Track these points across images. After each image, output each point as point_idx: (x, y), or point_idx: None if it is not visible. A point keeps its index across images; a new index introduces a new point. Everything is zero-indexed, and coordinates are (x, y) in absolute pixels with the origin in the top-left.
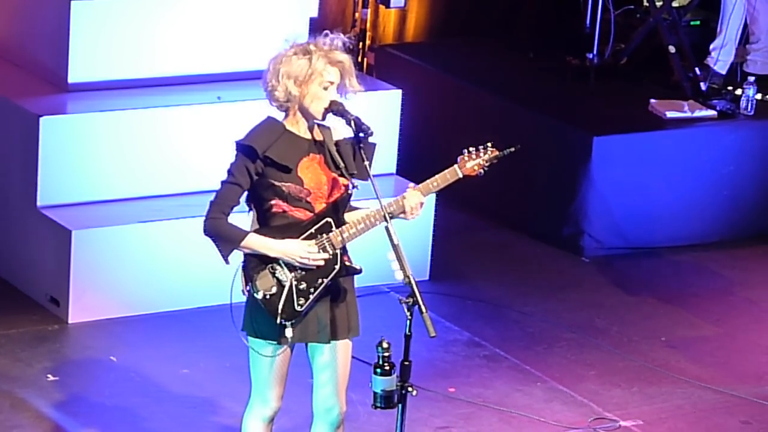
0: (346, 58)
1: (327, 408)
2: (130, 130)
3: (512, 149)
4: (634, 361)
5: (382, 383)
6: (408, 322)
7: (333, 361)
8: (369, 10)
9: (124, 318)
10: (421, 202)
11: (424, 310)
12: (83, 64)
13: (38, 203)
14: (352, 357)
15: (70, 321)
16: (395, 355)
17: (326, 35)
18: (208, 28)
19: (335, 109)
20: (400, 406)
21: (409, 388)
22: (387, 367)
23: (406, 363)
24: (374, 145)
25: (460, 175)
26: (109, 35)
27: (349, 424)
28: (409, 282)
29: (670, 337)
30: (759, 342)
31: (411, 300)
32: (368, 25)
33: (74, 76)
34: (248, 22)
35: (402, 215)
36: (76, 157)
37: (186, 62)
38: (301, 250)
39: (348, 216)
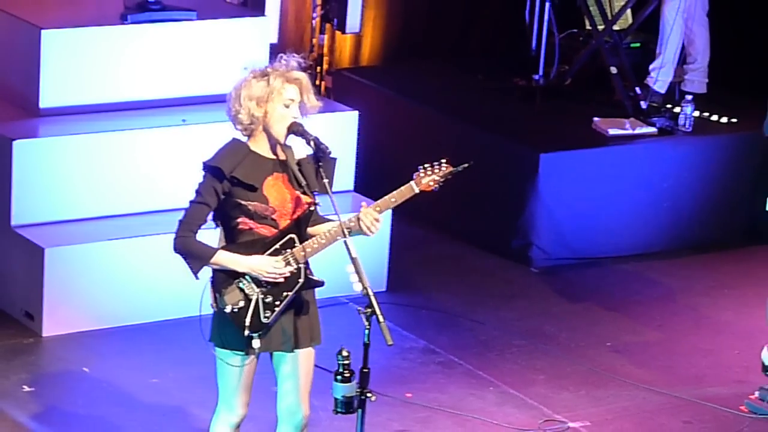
0: (302, 76)
1: (291, 413)
2: (100, 152)
3: (465, 166)
4: (581, 366)
5: (342, 389)
6: (366, 331)
7: (296, 369)
8: (326, 36)
9: (95, 331)
10: (376, 219)
11: (381, 319)
12: (53, 90)
13: (12, 222)
14: (315, 365)
15: (44, 334)
16: (354, 363)
17: (281, 58)
18: (173, 55)
19: (296, 129)
20: (359, 411)
21: (368, 394)
22: (347, 374)
23: (365, 370)
24: (335, 160)
25: (417, 191)
26: (78, 62)
27: (312, 428)
28: (367, 293)
29: (615, 342)
30: (699, 346)
31: (369, 310)
32: (325, 50)
33: (45, 101)
34: (211, 49)
35: (359, 232)
36: (47, 178)
37: (152, 87)
38: (268, 266)
39: (311, 229)
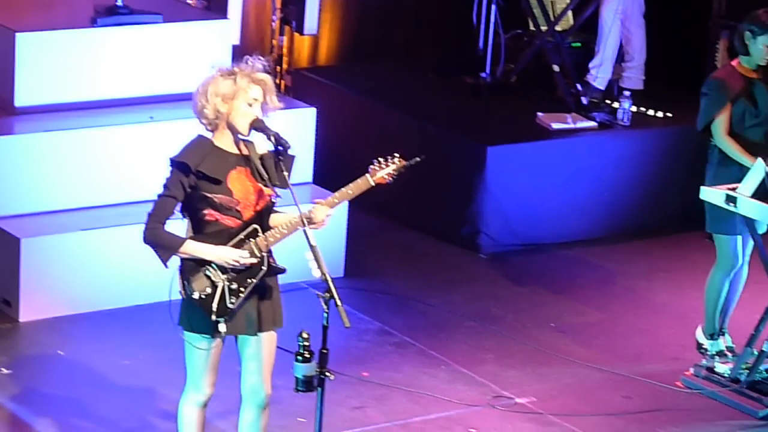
0: (266, 78)
1: (254, 392)
2: (73, 147)
3: (416, 159)
4: (527, 345)
5: (303, 369)
6: (325, 314)
7: (260, 351)
8: (285, 38)
9: (70, 316)
10: (328, 215)
11: (339, 303)
12: (28, 90)
13: None
14: (277, 346)
15: (21, 320)
16: (314, 344)
17: (247, 60)
18: (141, 56)
19: (257, 126)
20: (319, 389)
21: (327, 373)
22: (307, 355)
23: (324, 351)
24: (293, 157)
25: (372, 183)
26: (51, 63)
27: (275, 406)
28: (326, 279)
29: (558, 323)
30: (637, 326)
31: (327, 295)
32: (285, 50)
33: (20, 100)
34: (176, 50)
35: (313, 226)
36: (23, 172)
37: (121, 86)
38: (233, 254)
39: (273, 220)
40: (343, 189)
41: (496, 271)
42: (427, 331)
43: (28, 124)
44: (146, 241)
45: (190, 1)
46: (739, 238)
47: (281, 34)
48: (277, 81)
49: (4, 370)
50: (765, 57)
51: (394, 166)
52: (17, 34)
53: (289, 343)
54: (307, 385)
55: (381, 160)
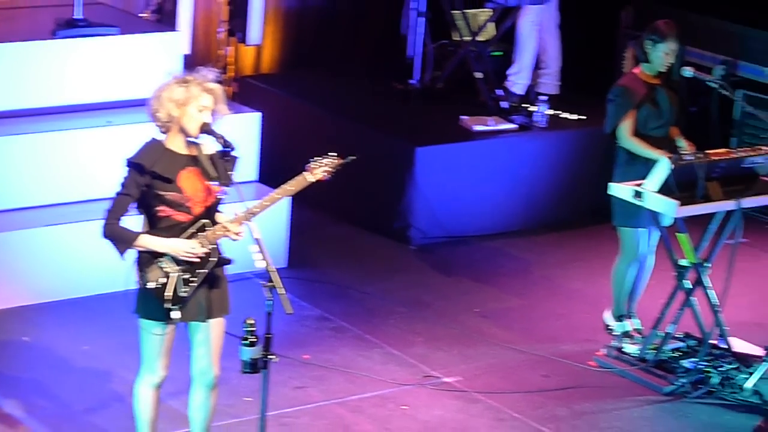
0: (217, 87)
1: (204, 374)
2: (36, 150)
3: (352, 158)
4: (453, 329)
5: (248, 353)
6: (269, 302)
7: (209, 336)
8: (231, 48)
9: (35, 305)
10: (240, 231)
11: (282, 291)
12: None
13: None
14: (225, 332)
15: None
16: (259, 330)
17: (200, 70)
18: (99, 65)
19: (206, 129)
20: (264, 371)
21: (271, 356)
22: (252, 340)
23: (268, 335)
24: (237, 158)
25: (311, 180)
26: (15, 72)
27: (223, 386)
28: (270, 269)
29: (482, 308)
30: (554, 310)
31: (271, 284)
32: (231, 60)
33: None
34: (132, 59)
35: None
36: None
37: (80, 93)
38: (185, 247)
39: (220, 217)
40: (284, 186)
41: (424, 261)
42: (362, 317)
43: None
44: (105, 235)
45: (143, 15)
46: (642, 230)
47: (227, 44)
48: (225, 88)
49: None
50: (665, 64)
51: (330, 165)
52: None
53: (236, 329)
54: (252, 367)
55: (318, 158)
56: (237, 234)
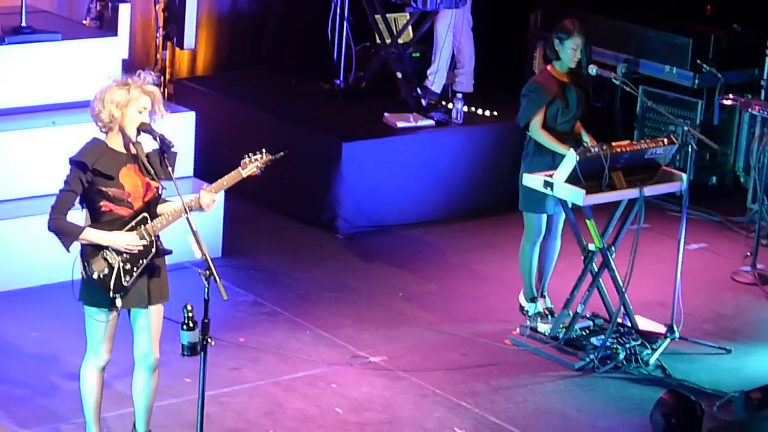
0: (155, 90)
1: (145, 357)
2: None
3: (281, 154)
4: (379, 312)
5: (187, 337)
6: (206, 289)
7: (149, 322)
8: (167, 52)
9: None
10: (213, 199)
11: (218, 279)
12: None
13: None
14: (164, 317)
15: None
16: (197, 315)
17: (140, 74)
18: (43, 69)
19: (144, 128)
20: (202, 353)
21: (209, 340)
22: (191, 324)
23: (206, 321)
24: (176, 154)
25: (243, 175)
26: None
27: (164, 368)
28: (206, 258)
29: (405, 292)
30: (471, 293)
31: (208, 272)
32: (167, 63)
33: None
34: (74, 63)
35: (200, 209)
36: None
37: (26, 96)
38: (126, 240)
39: (160, 209)
40: (218, 180)
41: (351, 249)
42: (293, 302)
43: None
44: (50, 229)
45: (84, 22)
46: (544, 216)
47: (164, 48)
48: (161, 89)
49: None
50: (573, 59)
51: (261, 161)
52: None
53: (176, 315)
54: (191, 350)
55: (250, 155)
56: (210, 204)
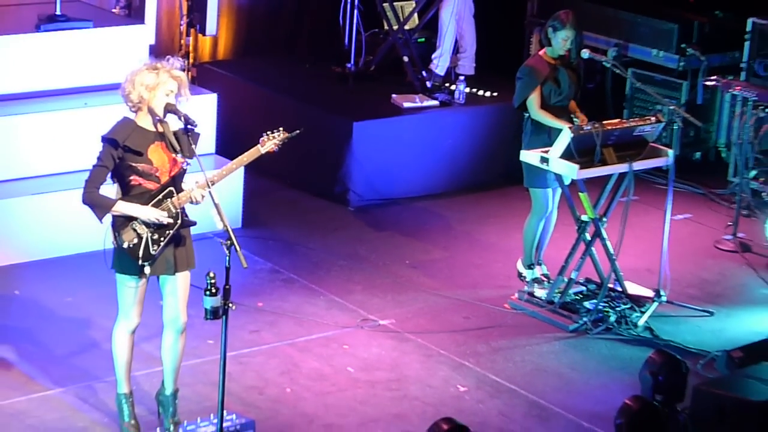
0: (182, 74)
1: (173, 320)
2: (23, 129)
3: (297, 132)
4: (387, 279)
5: (210, 302)
6: (227, 257)
7: (176, 287)
8: (191, 38)
9: (24, 263)
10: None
11: (238, 248)
12: None
13: None
14: (190, 284)
15: None
16: (219, 282)
17: (168, 59)
18: (76, 54)
19: (170, 108)
20: (224, 317)
21: (230, 304)
22: (213, 290)
23: (227, 287)
24: (199, 134)
25: (262, 152)
26: (5, 61)
27: (189, 331)
28: (227, 229)
29: (412, 260)
30: (473, 261)
31: (229, 242)
32: (191, 48)
33: None
34: (105, 49)
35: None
36: None
37: (61, 79)
38: (155, 213)
39: (185, 184)
40: (239, 157)
41: (361, 220)
42: (308, 269)
43: None
44: (85, 202)
45: (114, 10)
46: (549, 190)
47: (188, 35)
48: (186, 74)
49: None
50: (562, 48)
51: (279, 138)
52: None
53: (199, 281)
54: (214, 314)
55: (269, 133)
56: (200, 199)
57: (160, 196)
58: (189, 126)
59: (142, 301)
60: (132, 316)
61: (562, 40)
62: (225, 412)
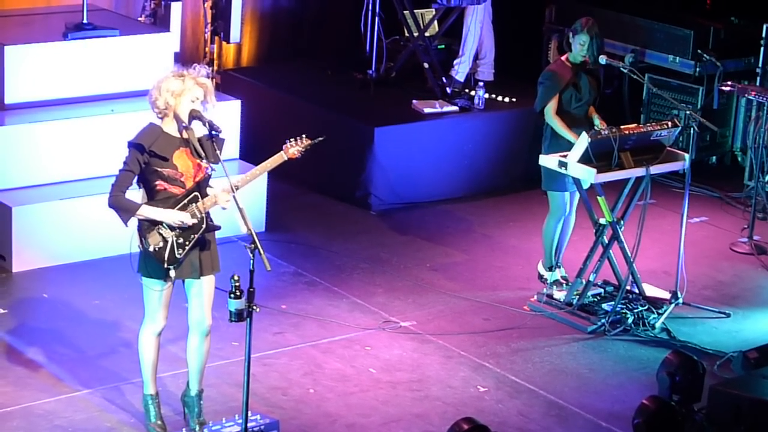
0: (208, 82)
1: (198, 323)
2: (51, 135)
3: (320, 139)
4: (408, 281)
5: (235, 304)
6: (251, 261)
7: (201, 291)
8: (215, 45)
9: (52, 267)
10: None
11: (262, 252)
12: (15, 90)
13: None
14: (215, 287)
15: (13, 270)
16: (243, 284)
17: (194, 67)
18: (103, 62)
19: (195, 115)
20: (248, 319)
21: (254, 307)
22: (238, 293)
23: (251, 290)
24: (223, 140)
25: (285, 158)
26: (33, 69)
27: (214, 333)
28: (251, 233)
29: (432, 263)
30: (493, 264)
31: (253, 246)
32: (215, 55)
33: (9, 98)
34: (132, 56)
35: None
36: (13, 156)
37: (88, 86)
38: (180, 217)
39: (210, 189)
40: (262, 163)
41: (383, 224)
42: (331, 272)
43: (15, 117)
44: (110, 206)
45: (140, 19)
46: (567, 193)
47: (212, 42)
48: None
49: (1, 310)
50: (580, 53)
51: (301, 145)
52: (5, 47)
53: (224, 284)
54: (238, 316)
55: (291, 140)
56: (225, 204)
57: (185, 201)
58: (213, 132)
59: (167, 304)
60: (158, 319)
61: (579, 45)
62: (249, 412)
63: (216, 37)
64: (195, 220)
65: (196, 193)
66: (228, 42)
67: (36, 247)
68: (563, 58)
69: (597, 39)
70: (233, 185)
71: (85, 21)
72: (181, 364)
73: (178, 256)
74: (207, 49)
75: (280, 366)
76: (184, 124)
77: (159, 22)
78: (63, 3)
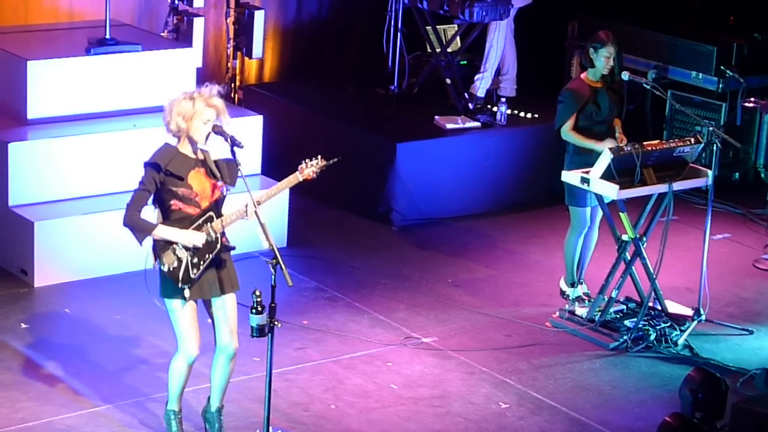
0: (219, 102)
1: (226, 346)
2: (72, 150)
3: (335, 160)
4: (430, 297)
5: (256, 319)
6: (273, 276)
7: (226, 311)
8: (237, 61)
9: (74, 282)
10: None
11: (283, 267)
12: (37, 105)
13: (9, 203)
14: (237, 303)
15: (35, 285)
16: (265, 300)
17: (207, 85)
18: (125, 77)
19: (217, 130)
20: (270, 335)
21: (276, 323)
22: (259, 308)
23: (273, 305)
24: (239, 166)
25: (301, 179)
26: (55, 84)
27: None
28: (273, 248)
29: (454, 279)
30: (515, 280)
31: (274, 261)
32: (237, 71)
33: (31, 113)
34: (154, 71)
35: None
36: (35, 171)
37: (110, 101)
38: (194, 238)
39: (224, 209)
40: (278, 184)
41: (405, 240)
42: (352, 288)
43: (37, 132)
44: (125, 224)
45: (162, 34)
46: (588, 209)
47: (234, 58)
48: (232, 95)
49: (23, 325)
50: (606, 66)
51: (316, 166)
52: (28, 62)
53: (245, 299)
54: (260, 332)
55: (307, 160)
56: (248, 215)
57: (200, 221)
58: (235, 146)
59: (196, 326)
60: (190, 348)
61: (604, 58)
62: (271, 428)
63: (238, 53)
64: (210, 240)
65: (212, 214)
66: (250, 57)
67: (58, 262)
68: (582, 76)
69: (619, 52)
70: (255, 201)
71: (107, 36)
72: (203, 379)
73: (192, 276)
74: (229, 64)
75: (301, 381)
76: (198, 146)
77: (181, 37)
78: (86, 18)
